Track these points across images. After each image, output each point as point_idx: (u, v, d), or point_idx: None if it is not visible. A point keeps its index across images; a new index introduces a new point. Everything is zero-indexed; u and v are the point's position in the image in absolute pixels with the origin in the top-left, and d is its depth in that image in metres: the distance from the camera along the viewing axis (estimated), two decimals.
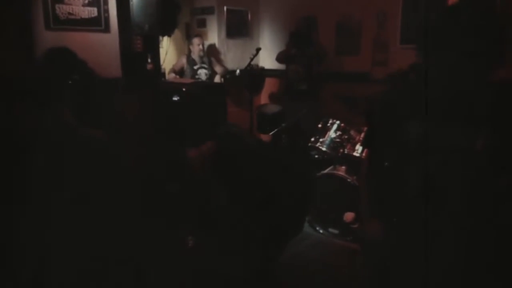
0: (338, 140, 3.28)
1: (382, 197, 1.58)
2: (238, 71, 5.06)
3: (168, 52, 4.25)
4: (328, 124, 3.39)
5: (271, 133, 3.68)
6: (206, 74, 4.63)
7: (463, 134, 1.33)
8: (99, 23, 3.64)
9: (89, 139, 1.99)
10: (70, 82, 2.05)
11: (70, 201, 1.82)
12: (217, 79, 4.71)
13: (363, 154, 3.04)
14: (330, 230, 3.17)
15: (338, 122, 3.36)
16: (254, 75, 4.94)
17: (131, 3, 3.44)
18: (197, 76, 4.58)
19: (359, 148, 3.15)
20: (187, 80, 4.33)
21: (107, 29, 3.71)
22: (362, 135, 3.20)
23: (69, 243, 1.76)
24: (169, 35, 3.69)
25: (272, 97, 5.30)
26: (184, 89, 3.18)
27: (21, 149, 1.84)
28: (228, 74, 4.92)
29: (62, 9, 3.40)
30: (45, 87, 2.05)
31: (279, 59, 4.58)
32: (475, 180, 1.34)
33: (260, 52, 4.62)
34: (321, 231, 3.20)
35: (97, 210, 1.91)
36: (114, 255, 2.01)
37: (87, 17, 3.56)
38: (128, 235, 2.20)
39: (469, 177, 1.35)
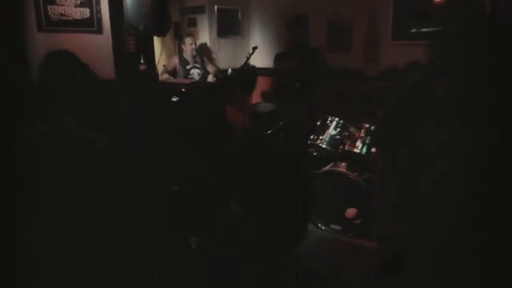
0: (338, 137, 3.30)
1: (396, 196, 1.57)
2: (230, 70, 5.04)
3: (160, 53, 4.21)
4: (328, 122, 3.40)
5: (269, 132, 3.67)
6: (199, 74, 4.59)
7: (476, 134, 1.33)
8: (91, 24, 3.58)
9: (88, 140, 1.97)
10: (72, 84, 2.02)
11: (70, 201, 1.81)
12: (209, 78, 4.68)
13: (373, 151, 3.03)
14: (332, 226, 3.19)
15: (337, 119, 3.38)
16: (247, 74, 4.91)
17: (124, 3, 3.39)
18: (190, 76, 4.53)
19: (359, 144, 3.17)
20: (184, 80, 4.28)
21: (99, 30, 3.65)
22: (362, 131, 3.22)
23: (69, 241, 1.75)
24: (164, 35, 3.65)
25: (265, 96, 5.28)
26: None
27: (22, 151, 1.81)
28: (220, 73, 4.89)
29: (54, 10, 3.32)
30: (45, 90, 2.01)
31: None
32: (488, 179, 1.35)
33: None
34: (323, 227, 3.22)
35: (97, 210, 1.90)
36: (112, 252, 2.00)
37: (79, 18, 3.49)
38: (128, 234, 2.19)
39: (482, 177, 1.35)
